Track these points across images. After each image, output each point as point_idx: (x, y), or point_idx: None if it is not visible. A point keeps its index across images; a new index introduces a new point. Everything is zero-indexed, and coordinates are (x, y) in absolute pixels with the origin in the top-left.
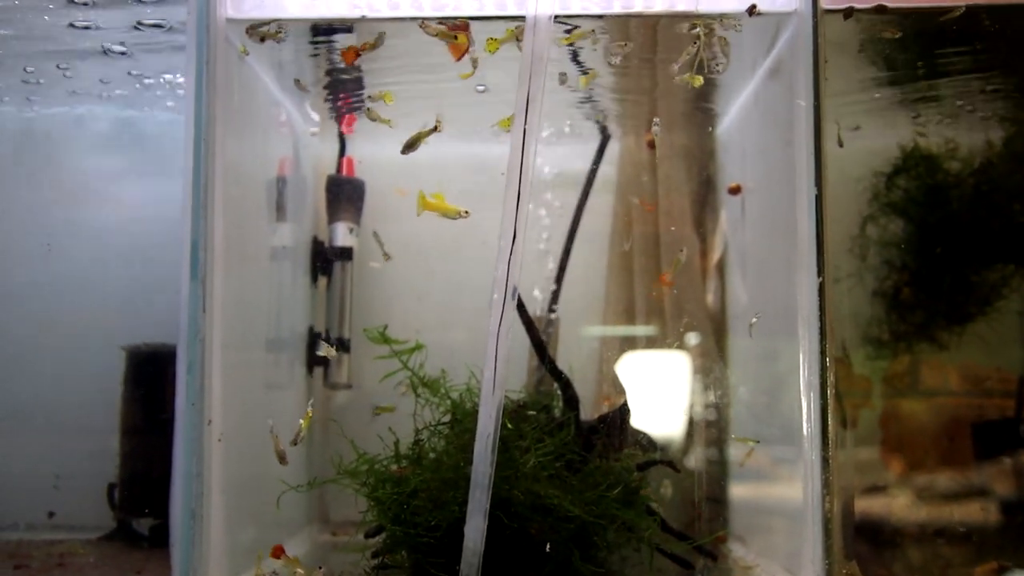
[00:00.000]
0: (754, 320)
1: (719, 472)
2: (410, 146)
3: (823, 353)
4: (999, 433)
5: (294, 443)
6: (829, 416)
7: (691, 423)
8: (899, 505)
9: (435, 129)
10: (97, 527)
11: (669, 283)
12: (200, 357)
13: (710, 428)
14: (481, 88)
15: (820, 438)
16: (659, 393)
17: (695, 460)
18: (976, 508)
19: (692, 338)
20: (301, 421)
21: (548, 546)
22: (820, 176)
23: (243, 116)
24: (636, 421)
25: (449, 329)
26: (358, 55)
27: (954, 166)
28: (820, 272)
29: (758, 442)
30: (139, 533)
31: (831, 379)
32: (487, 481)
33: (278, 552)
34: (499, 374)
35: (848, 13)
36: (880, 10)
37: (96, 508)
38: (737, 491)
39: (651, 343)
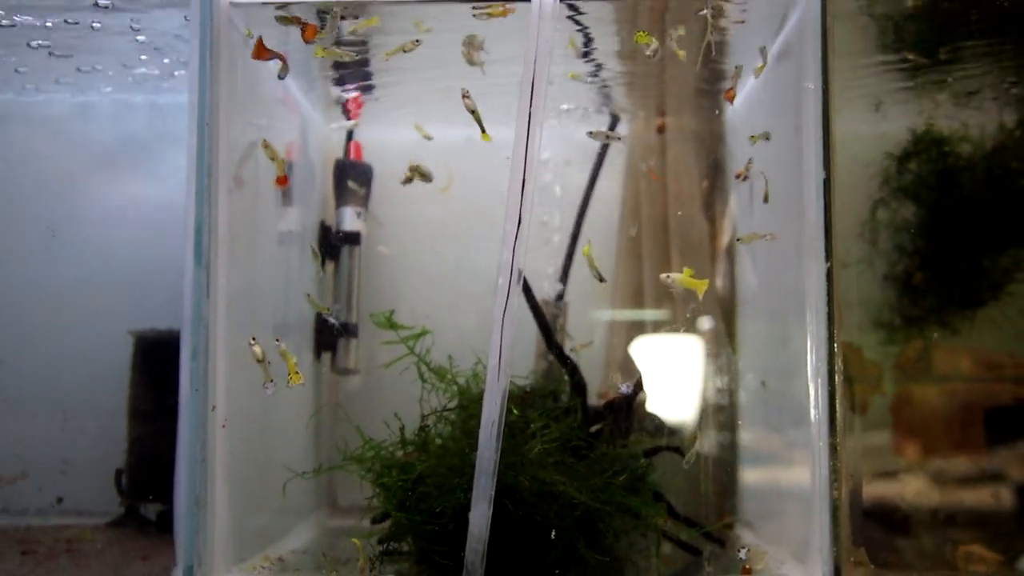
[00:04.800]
0: (763, 382)
1: (729, 457)
2: (412, 177)
3: (831, 338)
4: (1013, 418)
5: None
6: (837, 402)
7: (700, 408)
8: (910, 491)
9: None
10: (105, 512)
11: None
12: (204, 343)
13: (719, 413)
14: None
15: (828, 424)
16: (667, 378)
17: (704, 446)
18: (989, 494)
19: (701, 322)
20: None
21: (553, 533)
22: (828, 160)
23: (248, 100)
24: (645, 405)
25: (458, 314)
26: (316, 34)
27: (966, 149)
28: (828, 257)
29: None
30: (147, 519)
31: (839, 365)
32: (492, 468)
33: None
34: (504, 361)
35: None
36: None
37: (104, 494)
38: (746, 477)
39: (660, 327)
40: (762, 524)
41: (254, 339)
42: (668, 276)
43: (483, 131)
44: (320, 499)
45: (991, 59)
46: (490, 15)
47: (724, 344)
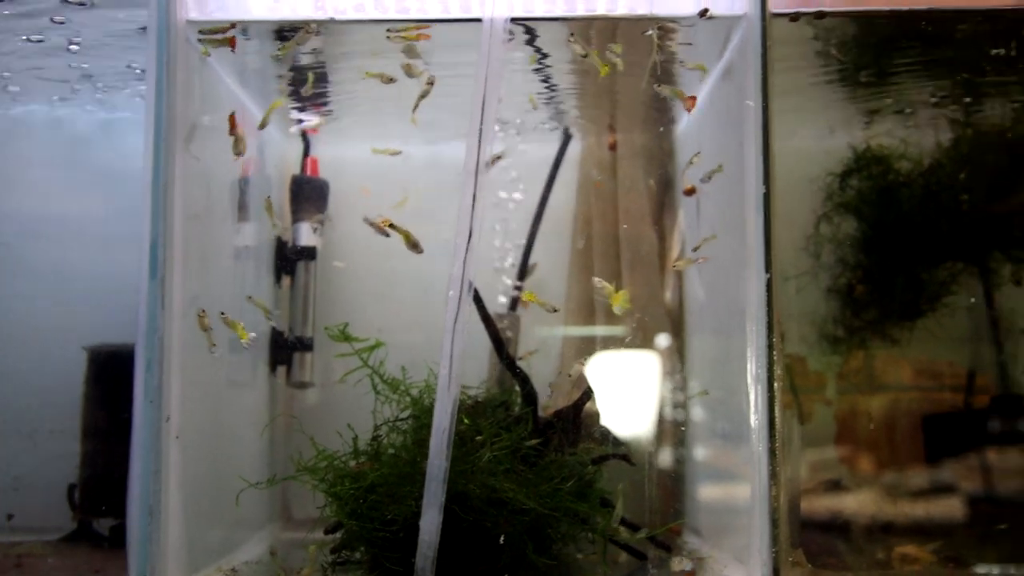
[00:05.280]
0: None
1: (675, 467)
2: (414, 244)
3: (770, 347)
4: (949, 425)
5: None
6: (776, 408)
7: (650, 419)
8: (853, 498)
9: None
10: (58, 528)
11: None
12: (158, 355)
13: (666, 423)
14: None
15: (767, 430)
16: (617, 390)
17: (652, 456)
18: (931, 499)
19: (649, 335)
20: None
21: (502, 538)
22: (768, 175)
23: (202, 116)
24: (597, 416)
25: (411, 328)
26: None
27: (904, 167)
28: (768, 268)
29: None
30: (99, 534)
31: (778, 372)
32: (442, 475)
33: None
34: (455, 370)
35: (795, 17)
36: (819, 16)
37: (57, 510)
38: (692, 484)
39: (609, 341)
40: (708, 530)
41: (203, 311)
42: (598, 281)
43: (413, 112)
44: (274, 512)
45: (925, 79)
46: (404, 38)
47: (672, 356)
